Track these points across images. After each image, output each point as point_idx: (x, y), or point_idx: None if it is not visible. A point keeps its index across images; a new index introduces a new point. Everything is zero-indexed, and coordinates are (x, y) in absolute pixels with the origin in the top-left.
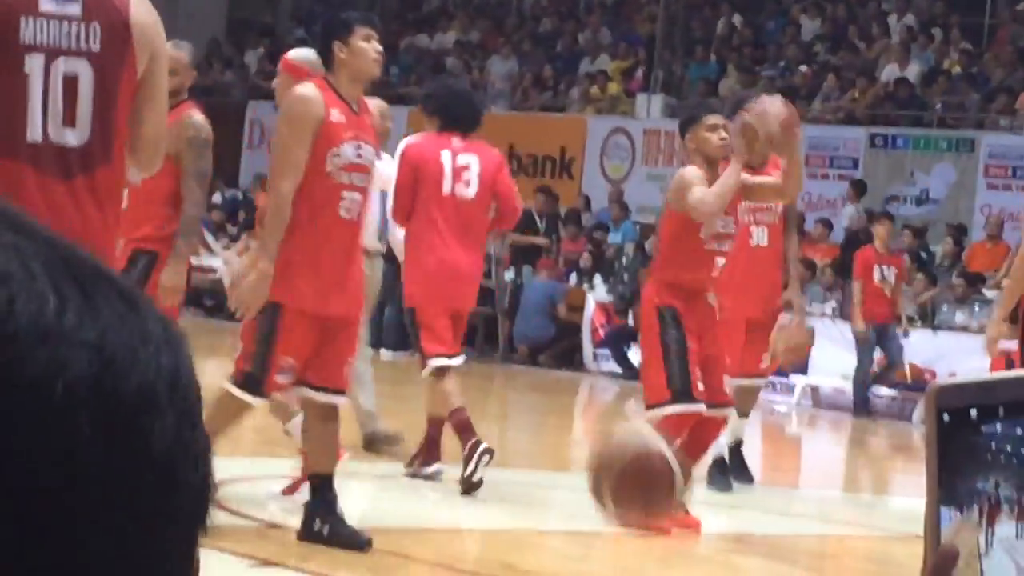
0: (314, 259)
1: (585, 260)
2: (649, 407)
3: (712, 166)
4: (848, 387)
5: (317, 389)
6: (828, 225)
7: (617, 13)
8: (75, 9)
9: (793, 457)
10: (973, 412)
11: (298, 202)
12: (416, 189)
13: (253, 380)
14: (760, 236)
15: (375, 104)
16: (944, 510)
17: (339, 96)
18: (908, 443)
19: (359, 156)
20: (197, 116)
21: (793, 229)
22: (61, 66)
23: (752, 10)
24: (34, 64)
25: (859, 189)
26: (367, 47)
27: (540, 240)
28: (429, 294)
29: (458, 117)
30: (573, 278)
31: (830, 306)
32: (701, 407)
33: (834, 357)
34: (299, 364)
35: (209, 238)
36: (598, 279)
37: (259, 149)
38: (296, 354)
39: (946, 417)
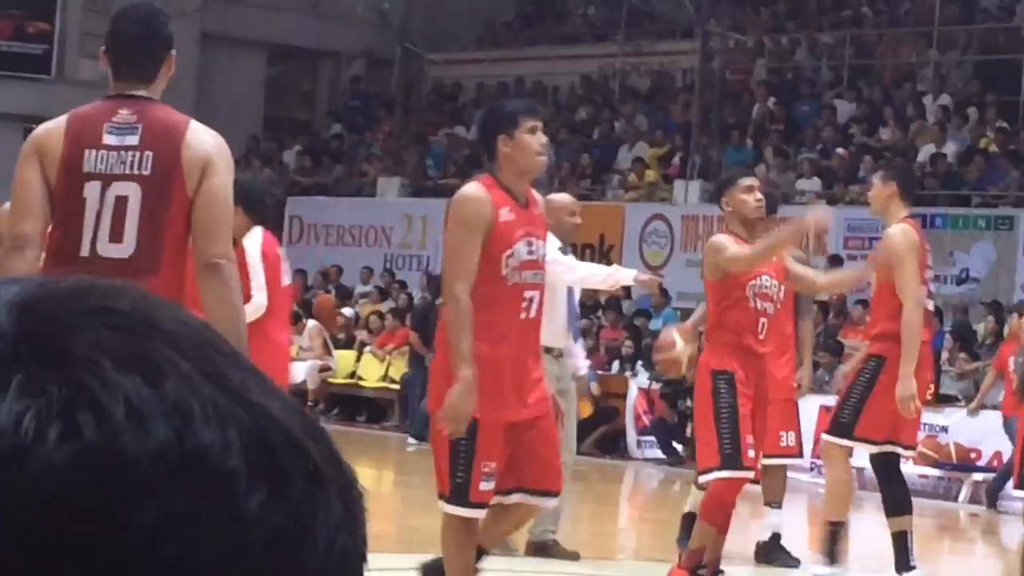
0: (496, 365)
1: (627, 347)
2: (700, 472)
3: (748, 227)
4: None
5: (533, 492)
6: (868, 306)
7: (652, 100)
8: (133, 140)
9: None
10: None
11: (474, 306)
12: None
13: (462, 491)
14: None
15: (561, 199)
16: None
17: (507, 192)
18: (955, 524)
19: (531, 253)
20: None
21: (808, 315)
22: (114, 189)
23: (786, 94)
24: (92, 189)
25: None
26: (532, 140)
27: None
28: None
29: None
30: (616, 365)
31: None
32: (750, 473)
33: None
34: (500, 470)
35: None
36: (640, 366)
37: (298, 244)
38: (497, 461)
39: None
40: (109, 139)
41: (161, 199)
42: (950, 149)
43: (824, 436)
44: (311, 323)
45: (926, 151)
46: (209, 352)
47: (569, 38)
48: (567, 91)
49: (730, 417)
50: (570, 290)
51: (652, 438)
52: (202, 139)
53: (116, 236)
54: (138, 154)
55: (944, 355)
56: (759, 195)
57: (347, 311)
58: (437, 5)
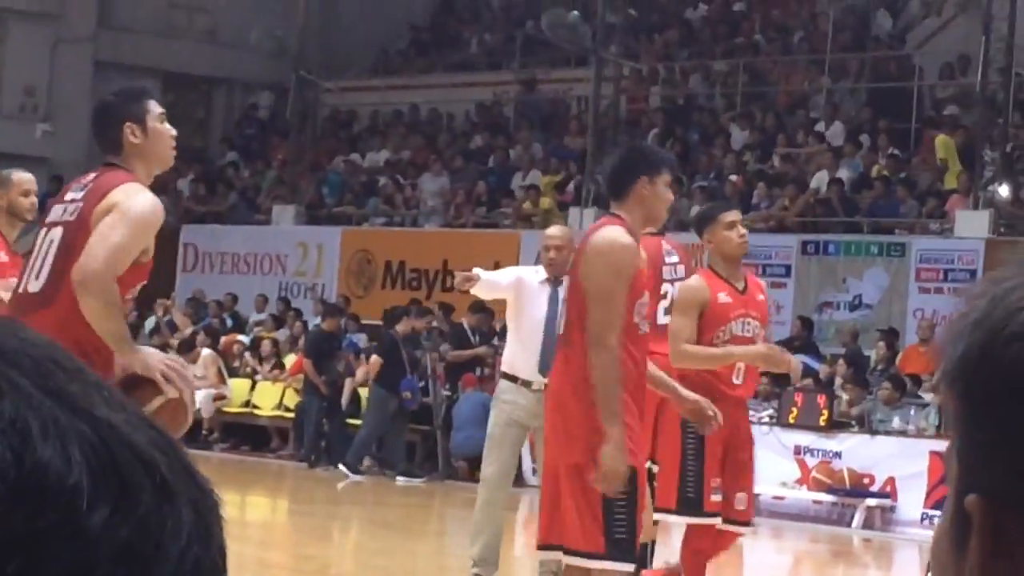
0: (631, 411)
1: None
2: (656, 509)
3: (731, 265)
4: (786, 494)
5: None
6: None
7: (547, 128)
8: (80, 195)
9: (737, 568)
10: None
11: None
12: None
13: (626, 545)
14: None
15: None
16: None
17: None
18: (848, 549)
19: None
20: None
21: None
22: (50, 235)
23: (680, 121)
24: (40, 235)
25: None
26: (669, 193)
27: (480, 350)
28: None
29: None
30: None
31: (767, 414)
32: (714, 520)
33: (771, 465)
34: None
35: None
36: None
37: (193, 272)
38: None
39: None
40: (69, 195)
41: (73, 240)
42: (843, 176)
43: None
44: (205, 351)
45: (819, 178)
46: (49, 367)
47: (464, 65)
48: (462, 119)
49: (696, 459)
50: (548, 323)
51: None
52: (121, 191)
53: (37, 274)
54: (74, 205)
55: (837, 381)
56: (742, 230)
57: (242, 338)
58: (332, 33)
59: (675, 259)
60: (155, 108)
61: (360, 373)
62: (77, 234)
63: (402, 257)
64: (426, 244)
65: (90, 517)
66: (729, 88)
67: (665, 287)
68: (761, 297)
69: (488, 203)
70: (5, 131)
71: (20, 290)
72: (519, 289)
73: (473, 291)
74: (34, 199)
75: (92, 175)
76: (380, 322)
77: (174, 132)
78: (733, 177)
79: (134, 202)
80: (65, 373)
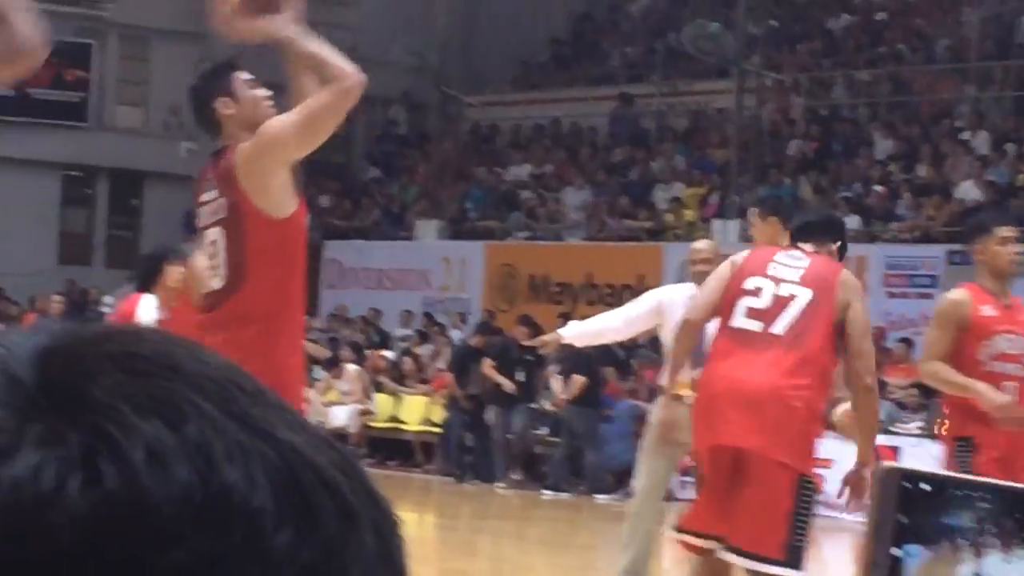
0: None
1: None
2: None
3: (999, 279)
4: None
5: None
6: (909, 344)
7: (689, 140)
8: (214, 195)
9: None
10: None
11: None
12: None
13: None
14: None
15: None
16: (909, 547)
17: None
18: None
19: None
20: None
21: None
22: (210, 234)
23: (823, 131)
24: (204, 239)
25: None
26: (1003, 250)
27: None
28: None
29: None
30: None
31: (916, 425)
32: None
33: None
34: None
35: None
36: None
37: (337, 288)
38: None
39: (907, 484)
40: (205, 196)
41: (236, 231)
42: (989, 185)
43: None
44: (351, 367)
45: (964, 187)
46: (232, 391)
47: (605, 78)
48: (604, 132)
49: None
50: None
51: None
52: (239, 154)
53: (218, 273)
54: (216, 203)
55: None
56: (1017, 247)
57: (387, 354)
58: (472, 48)
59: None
60: (242, 75)
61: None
62: (242, 222)
63: (545, 271)
64: (569, 257)
65: (274, 539)
66: (872, 98)
67: None
68: None
69: (630, 216)
70: (150, 149)
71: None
72: (662, 312)
73: (577, 343)
74: None
75: (211, 170)
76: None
77: (267, 92)
78: (878, 187)
79: (248, 159)
80: (247, 396)
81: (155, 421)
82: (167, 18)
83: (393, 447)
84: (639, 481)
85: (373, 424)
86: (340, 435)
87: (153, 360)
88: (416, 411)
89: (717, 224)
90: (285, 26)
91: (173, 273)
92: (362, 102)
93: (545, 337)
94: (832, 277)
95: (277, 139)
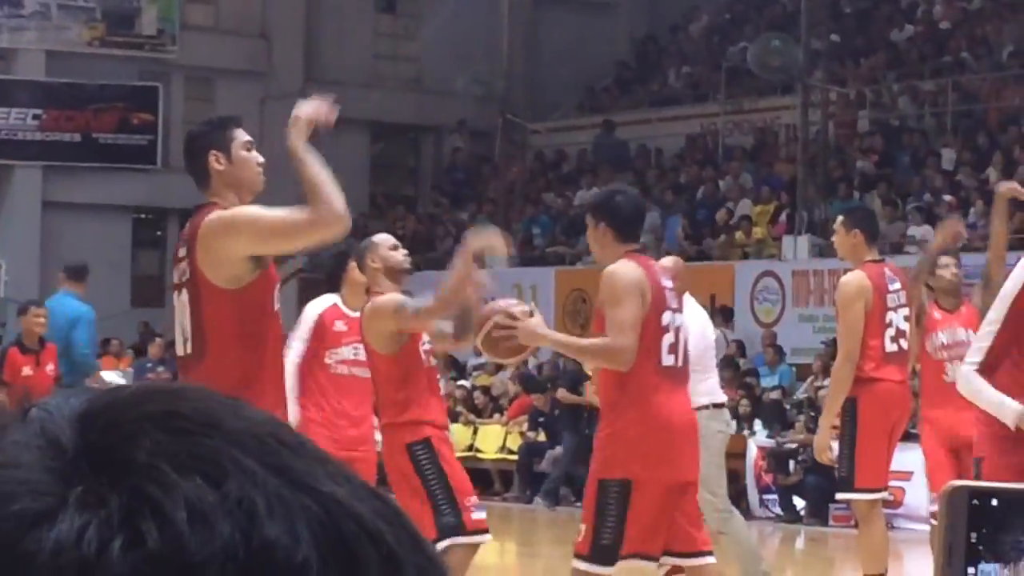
0: None
1: (743, 405)
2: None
3: None
4: None
5: None
6: None
7: (755, 158)
8: (184, 251)
9: None
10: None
11: None
12: None
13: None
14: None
15: (663, 263)
16: (984, 566)
17: None
18: None
19: None
20: None
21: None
22: (181, 298)
23: (891, 144)
24: (174, 297)
25: None
26: None
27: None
28: None
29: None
30: (733, 425)
31: None
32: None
33: None
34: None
35: None
36: (758, 424)
37: None
38: None
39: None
40: (180, 253)
41: (196, 299)
42: None
43: (839, 496)
44: None
45: None
46: (272, 445)
47: (669, 99)
48: (671, 152)
49: None
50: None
51: (775, 496)
52: (203, 228)
53: (183, 341)
54: (184, 264)
55: None
56: None
57: (463, 383)
58: (536, 74)
59: (897, 286)
60: (241, 136)
61: None
62: (199, 291)
63: None
64: None
65: None
66: (938, 108)
67: (889, 315)
68: None
69: (700, 236)
70: None
71: (178, 353)
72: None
73: None
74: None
75: (188, 226)
76: None
77: (261, 159)
78: (947, 197)
79: (206, 232)
80: (288, 449)
81: (196, 479)
82: (231, 58)
83: (472, 476)
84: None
85: None
86: None
87: (193, 418)
88: (493, 440)
89: (787, 240)
90: (297, 138)
91: (355, 270)
92: (427, 132)
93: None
94: None
95: (244, 227)
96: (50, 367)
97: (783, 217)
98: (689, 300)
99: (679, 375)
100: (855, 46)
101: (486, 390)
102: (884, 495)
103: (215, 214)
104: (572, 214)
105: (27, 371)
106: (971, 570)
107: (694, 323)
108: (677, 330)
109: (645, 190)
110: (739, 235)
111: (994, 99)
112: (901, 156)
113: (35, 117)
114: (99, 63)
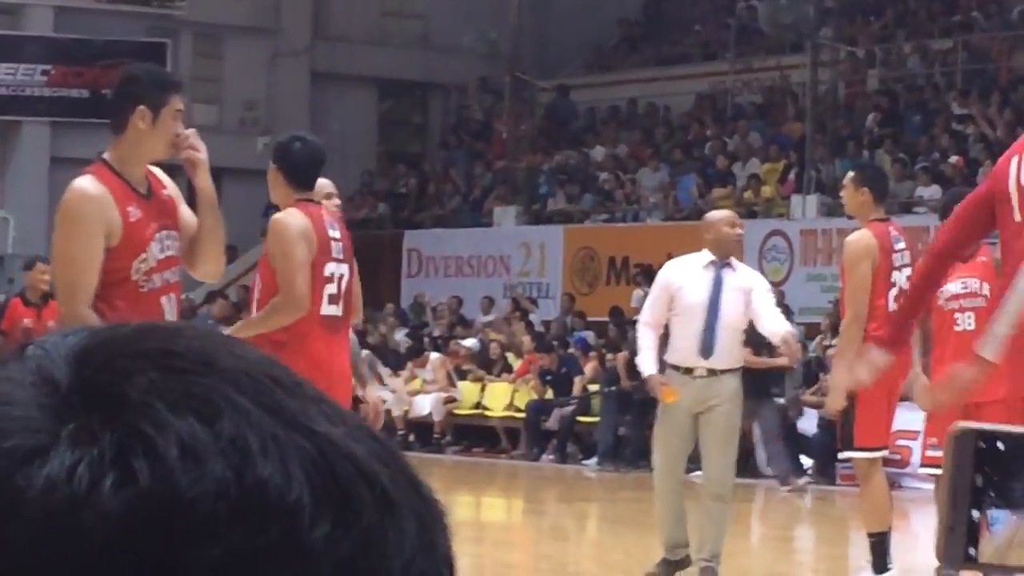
0: None
1: None
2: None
3: None
4: None
5: None
6: None
7: (764, 116)
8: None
9: None
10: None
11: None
12: None
13: None
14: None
15: (719, 214)
16: (994, 512)
17: None
18: None
19: None
20: None
21: None
22: None
23: (900, 103)
24: None
25: None
26: None
27: None
28: None
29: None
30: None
31: None
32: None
33: None
34: None
35: (381, 368)
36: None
37: (417, 277)
38: None
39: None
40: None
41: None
42: None
43: (842, 454)
44: (434, 355)
45: None
46: (267, 384)
47: (678, 58)
48: (679, 111)
49: None
50: (711, 306)
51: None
52: (61, 205)
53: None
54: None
55: None
56: None
57: (470, 342)
58: (544, 32)
59: (902, 245)
60: (175, 104)
61: (589, 369)
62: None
63: (625, 253)
64: (649, 239)
65: (311, 533)
66: (948, 67)
67: (894, 275)
68: None
69: (707, 194)
70: (226, 146)
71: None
72: (671, 288)
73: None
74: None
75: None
76: (607, 318)
77: (181, 131)
78: (953, 158)
79: (62, 209)
80: (283, 389)
81: (189, 418)
82: (240, 14)
83: (478, 434)
84: (654, 458)
85: (458, 412)
86: (425, 423)
87: (188, 356)
88: (500, 398)
89: (796, 199)
90: (205, 178)
91: None
92: (435, 90)
93: (665, 389)
94: None
95: (74, 217)
96: (51, 323)
97: (792, 176)
98: (742, 268)
99: (339, 324)
100: (865, 4)
101: (501, 345)
102: (884, 453)
103: (67, 195)
104: (580, 173)
105: (27, 323)
106: (976, 514)
107: (739, 297)
108: (340, 279)
109: (653, 149)
110: (748, 194)
111: (1005, 58)
112: (910, 115)
113: (43, 73)
114: (107, 19)
